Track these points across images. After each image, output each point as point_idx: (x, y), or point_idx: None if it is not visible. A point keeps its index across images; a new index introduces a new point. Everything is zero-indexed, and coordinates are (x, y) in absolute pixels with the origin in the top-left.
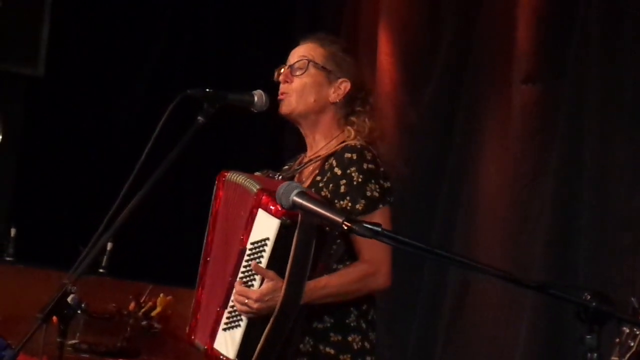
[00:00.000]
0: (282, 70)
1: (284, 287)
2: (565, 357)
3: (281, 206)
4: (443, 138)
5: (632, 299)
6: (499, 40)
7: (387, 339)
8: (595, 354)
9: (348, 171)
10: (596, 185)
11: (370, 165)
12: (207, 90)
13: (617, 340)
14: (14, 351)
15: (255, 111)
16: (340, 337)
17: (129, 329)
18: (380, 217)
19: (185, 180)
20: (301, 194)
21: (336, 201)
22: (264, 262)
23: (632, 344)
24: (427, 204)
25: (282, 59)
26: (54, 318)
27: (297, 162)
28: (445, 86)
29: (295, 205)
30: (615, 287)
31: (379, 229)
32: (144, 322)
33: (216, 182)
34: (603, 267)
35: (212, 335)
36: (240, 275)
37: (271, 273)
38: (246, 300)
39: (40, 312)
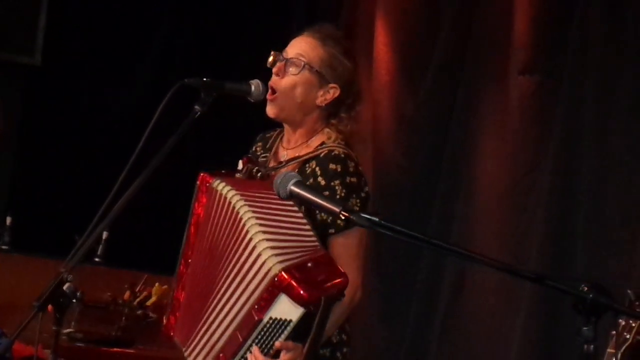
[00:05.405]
0: (278, 59)
1: (304, 355)
2: (562, 348)
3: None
4: (440, 129)
5: (629, 291)
6: (496, 31)
7: (383, 330)
8: (592, 346)
9: (332, 184)
10: (594, 177)
11: (352, 179)
12: (204, 79)
13: (614, 332)
14: (9, 340)
15: (253, 101)
16: None
17: (124, 318)
18: (357, 234)
19: (181, 169)
20: (298, 184)
21: (317, 213)
22: (282, 337)
23: (628, 336)
24: (425, 194)
25: (280, 49)
26: (50, 307)
27: (272, 152)
28: (443, 77)
29: (292, 194)
30: (612, 279)
31: (377, 219)
32: (139, 312)
33: (198, 183)
34: (600, 259)
35: None
36: (254, 339)
37: (291, 344)
38: None
39: (36, 300)
